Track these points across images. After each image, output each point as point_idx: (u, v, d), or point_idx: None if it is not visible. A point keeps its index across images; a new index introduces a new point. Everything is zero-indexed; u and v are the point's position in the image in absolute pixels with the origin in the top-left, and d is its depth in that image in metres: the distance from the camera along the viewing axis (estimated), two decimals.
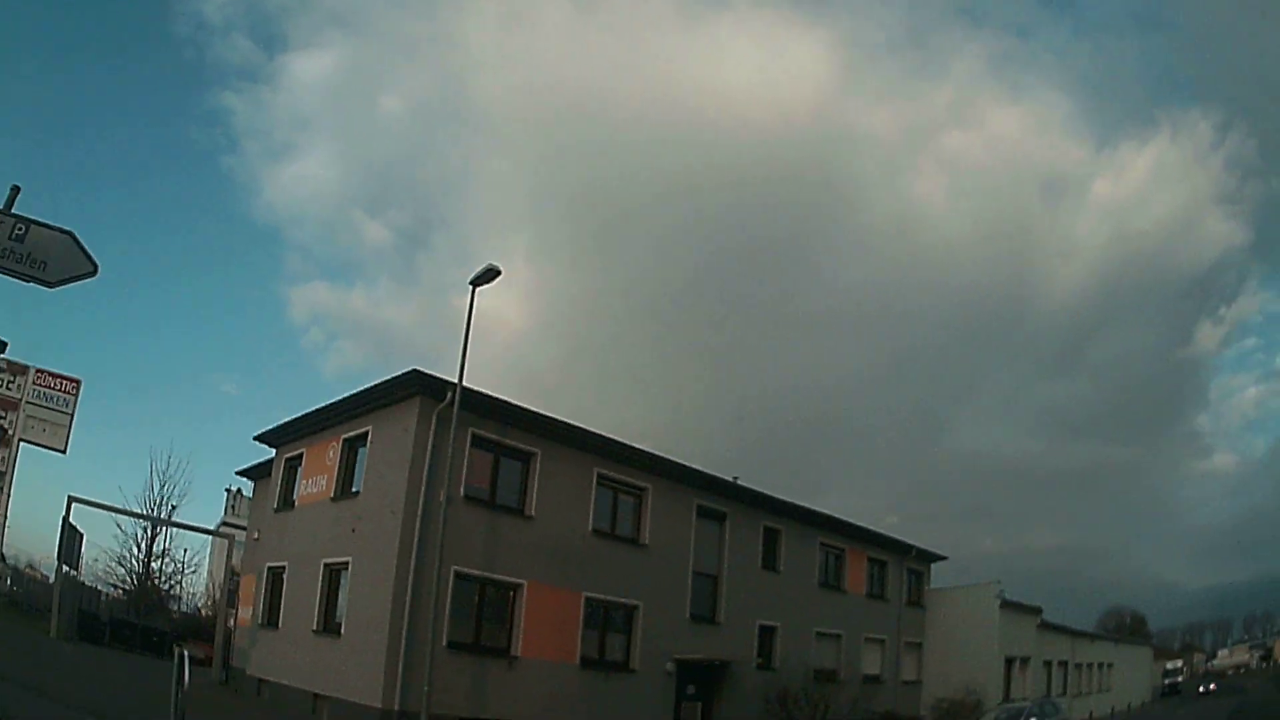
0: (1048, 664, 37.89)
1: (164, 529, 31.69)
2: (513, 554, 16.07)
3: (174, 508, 31.31)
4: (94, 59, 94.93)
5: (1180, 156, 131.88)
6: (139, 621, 28.57)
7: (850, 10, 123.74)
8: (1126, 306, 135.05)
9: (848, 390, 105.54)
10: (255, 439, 20.84)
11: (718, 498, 21.87)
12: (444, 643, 14.94)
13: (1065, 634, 41.08)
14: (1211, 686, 57.26)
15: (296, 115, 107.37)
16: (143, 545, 32.28)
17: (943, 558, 33.20)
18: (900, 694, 29.55)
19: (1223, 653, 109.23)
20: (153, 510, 30.36)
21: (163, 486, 31.21)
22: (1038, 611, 36.28)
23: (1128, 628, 71.29)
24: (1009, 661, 33.42)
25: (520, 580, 16.15)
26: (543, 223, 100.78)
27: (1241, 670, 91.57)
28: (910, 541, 30.96)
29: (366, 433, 16.65)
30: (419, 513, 14.53)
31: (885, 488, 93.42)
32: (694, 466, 20.50)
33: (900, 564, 30.73)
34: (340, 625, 15.68)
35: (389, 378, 15.68)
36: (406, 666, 14.22)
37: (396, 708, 14.16)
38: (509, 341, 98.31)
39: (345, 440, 17.34)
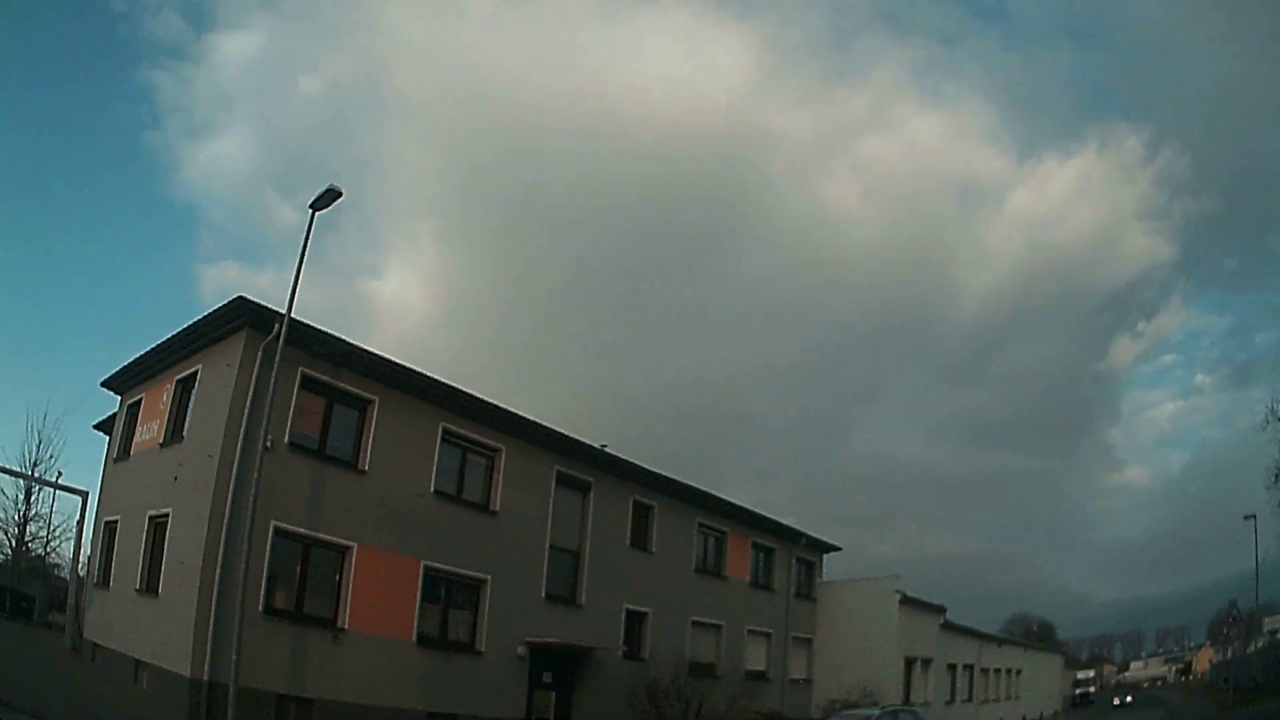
0: (951, 667, 42.25)
1: (39, 490, 34.25)
2: (342, 512, 17.69)
3: (60, 474, 33.56)
4: (31, 31, 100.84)
5: (1106, 171, 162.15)
6: (10, 586, 31.13)
7: (774, 11, 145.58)
8: (1040, 317, 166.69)
9: (750, 387, 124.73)
10: (102, 384, 22.04)
11: (582, 465, 24.26)
12: (260, 608, 16.16)
13: (971, 636, 45.49)
14: (1128, 699, 64.14)
15: (219, 94, 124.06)
16: (19, 508, 34.90)
17: (836, 548, 36.93)
18: (788, 693, 32.93)
19: (1136, 665, 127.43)
20: (30, 470, 32.40)
21: (39, 445, 33.37)
22: (941, 611, 40.27)
23: (1034, 635, 78.72)
24: (909, 663, 37.38)
25: (349, 542, 17.68)
26: (451, 210, 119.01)
27: (1158, 683, 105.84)
28: (800, 528, 33.62)
29: (197, 371, 18.12)
30: (236, 459, 15.99)
31: (784, 486, 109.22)
32: (555, 428, 22.81)
33: (789, 552, 34.28)
34: (159, 584, 17.00)
35: (216, 307, 17.16)
36: (218, 633, 15.50)
37: (206, 678, 15.40)
38: (412, 327, 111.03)
39: (179, 381, 18.79)
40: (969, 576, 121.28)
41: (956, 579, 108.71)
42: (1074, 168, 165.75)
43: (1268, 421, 35.23)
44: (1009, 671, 50.83)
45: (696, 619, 28.56)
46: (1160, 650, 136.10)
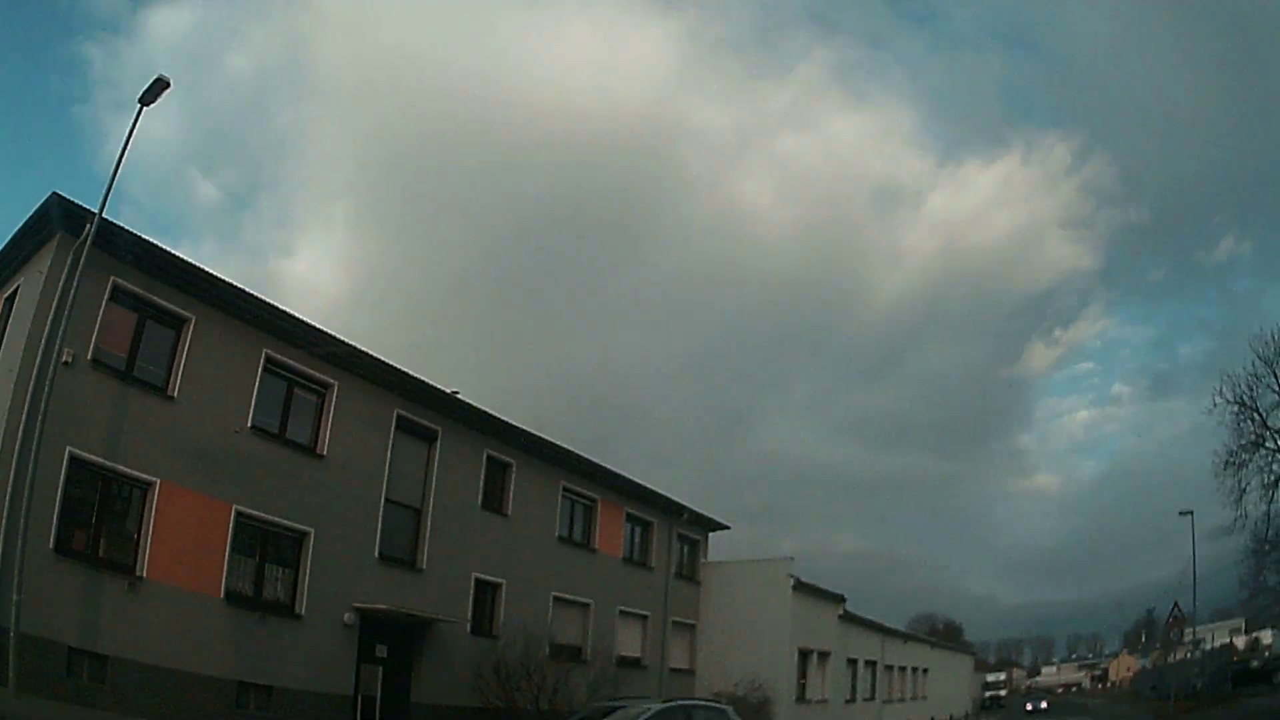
0: (852, 662, 46.25)
1: None
2: (147, 443, 19.07)
3: None
4: None
5: (1029, 178, 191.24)
6: None
7: (700, 4, 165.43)
8: (953, 321, 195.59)
9: (654, 379, 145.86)
10: None
11: (428, 411, 26.04)
12: (51, 545, 17.35)
13: (874, 630, 49.55)
14: (1043, 705, 69.58)
15: (149, 69, 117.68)
16: None
17: (723, 526, 40.35)
18: (668, 683, 35.70)
19: (1048, 669, 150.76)
20: None
21: None
22: (840, 600, 43.83)
23: (941, 635, 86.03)
24: (804, 655, 40.82)
25: (153, 478, 19.15)
26: (366, 191, 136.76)
27: (1073, 689, 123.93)
28: (684, 502, 35.75)
29: (19, 286, 19.16)
30: (33, 375, 17.03)
31: (684, 477, 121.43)
32: (397, 365, 24.44)
33: (669, 527, 37.19)
34: None
35: (34, 209, 18.08)
36: (3, 571, 16.29)
37: None
38: (322, 307, 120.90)
39: (6, 299, 19.79)
40: (872, 575, 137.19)
41: (859, 578, 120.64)
42: (996, 172, 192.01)
43: (1214, 404, 37.88)
44: (915, 670, 54.96)
45: (560, 594, 30.85)
46: (1074, 656, 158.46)
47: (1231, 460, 37.37)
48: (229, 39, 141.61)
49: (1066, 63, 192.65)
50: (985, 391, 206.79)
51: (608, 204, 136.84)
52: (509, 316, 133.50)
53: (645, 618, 34.97)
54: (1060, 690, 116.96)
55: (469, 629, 26.60)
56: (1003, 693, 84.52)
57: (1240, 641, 74.00)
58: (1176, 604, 49.70)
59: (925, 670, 56.71)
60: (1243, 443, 37.28)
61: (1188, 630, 54.50)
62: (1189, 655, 58.33)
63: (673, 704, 20.86)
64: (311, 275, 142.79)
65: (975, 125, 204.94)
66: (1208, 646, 63.21)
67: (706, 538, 39.73)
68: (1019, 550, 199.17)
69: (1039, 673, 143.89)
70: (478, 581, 27.21)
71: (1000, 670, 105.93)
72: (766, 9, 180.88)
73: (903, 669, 53.31)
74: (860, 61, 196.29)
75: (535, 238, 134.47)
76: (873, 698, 48.66)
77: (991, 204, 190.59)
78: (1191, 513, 50.09)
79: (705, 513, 38.77)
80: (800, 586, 38.91)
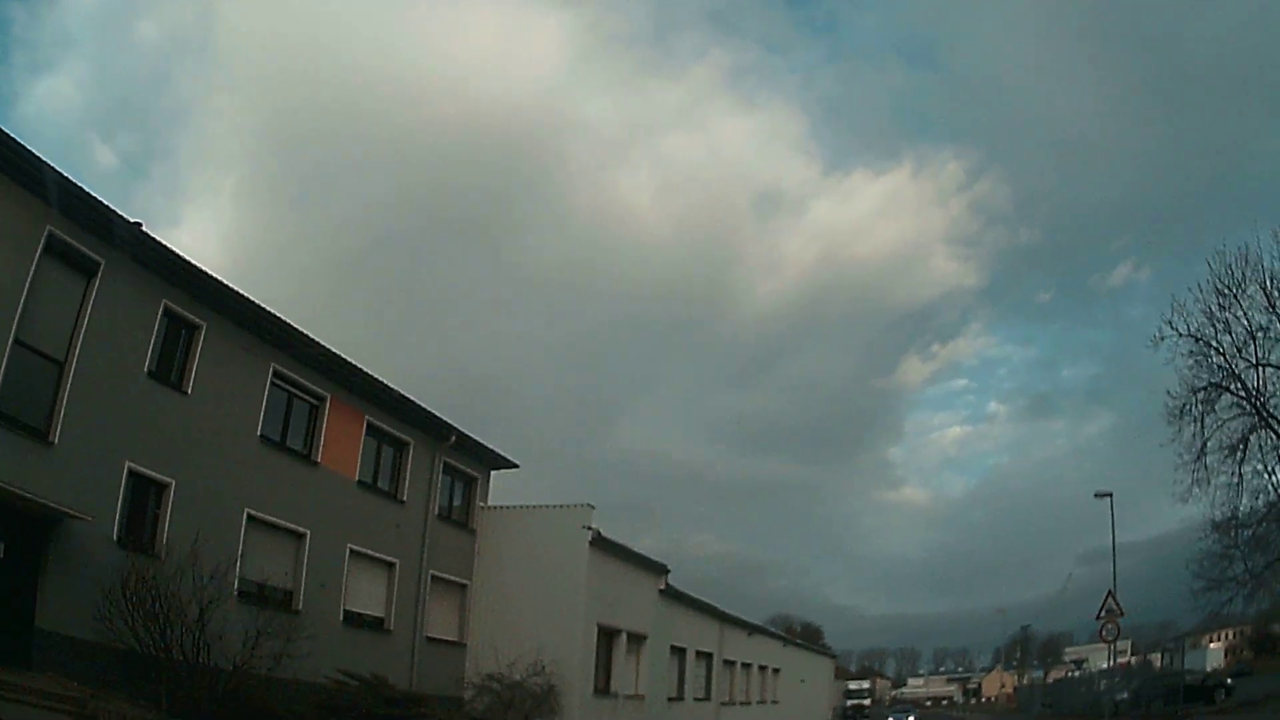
0: (679, 651, 42.84)
1: None
2: None
3: None
4: None
5: (918, 191, 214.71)
6: None
7: None
8: (828, 328, 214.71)
9: (527, 364, 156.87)
10: None
11: (91, 238, 22.20)
12: None
13: (710, 615, 46.37)
14: (910, 719, 69.16)
15: (64, 32, 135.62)
16: None
17: (511, 464, 37.31)
18: (426, 657, 32.26)
19: (915, 681, 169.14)
20: None
21: None
22: (662, 571, 40.24)
23: (799, 636, 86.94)
24: (608, 635, 36.99)
25: None
26: (255, 165, 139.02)
27: (944, 702, 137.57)
28: (453, 423, 33.57)
29: None
30: None
31: (543, 469, 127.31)
32: (55, 167, 20.55)
33: (433, 453, 33.70)
34: None
35: None
36: None
37: None
38: None
39: None
40: (730, 578, 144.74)
41: (715, 581, 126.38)
42: (884, 185, 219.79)
43: (1162, 338, 35.61)
44: (763, 669, 52.92)
45: (258, 514, 26.75)
46: (941, 670, 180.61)
47: (1189, 407, 34.85)
48: (140, 6, 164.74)
49: (967, 81, 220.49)
50: (857, 402, 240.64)
51: (494, 188, 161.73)
52: (392, 298, 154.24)
53: (392, 565, 31.47)
54: (929, 703, 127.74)
55: (115, 537, 22.39)
56: (866, 702, 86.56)
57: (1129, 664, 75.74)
58: (1110, 594, 48.34)
59: (777, 670, 54.81)
60: (1202, 386, 34.77)
61: (1070, 649, 54.65)
62: (1070, 674, 58.60)
63: None
64: (195, 246, 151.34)
65: (866, 136, 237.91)
66: (1091, 669, 64.42)
67: (488, 476, 36.69)
68: (884, 562, 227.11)
69: (904, 684, 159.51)
70: (133, 474, 23.08)
71: (864, 678, 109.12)
72: (666, 7, 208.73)
73: (748, 666, 51.25)
74: (755, 65, 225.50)
75: (421, 220, 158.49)
76: (707, 697, 45.90)
77: (877, 216, 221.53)
78: (1110, 494, 49.82)
79: (487, 443, 35.59)
80: (602, 543, 35.54)
